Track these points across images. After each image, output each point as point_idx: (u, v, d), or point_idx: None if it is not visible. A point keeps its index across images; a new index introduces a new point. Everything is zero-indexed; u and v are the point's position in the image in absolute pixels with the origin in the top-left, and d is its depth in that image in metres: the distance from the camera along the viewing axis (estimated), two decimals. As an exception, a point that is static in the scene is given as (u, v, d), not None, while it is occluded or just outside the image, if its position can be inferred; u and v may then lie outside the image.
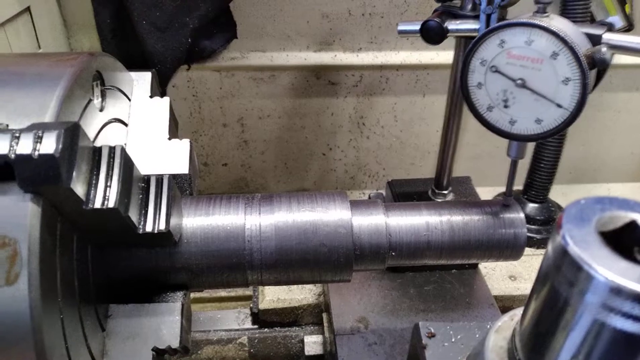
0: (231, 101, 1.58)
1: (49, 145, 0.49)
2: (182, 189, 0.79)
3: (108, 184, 0.58)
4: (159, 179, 0.69)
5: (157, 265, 0.73)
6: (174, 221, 0.69)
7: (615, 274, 0.38)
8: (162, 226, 0.66)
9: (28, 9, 1.26)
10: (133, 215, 0.63)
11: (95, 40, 1.42)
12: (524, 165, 1.49)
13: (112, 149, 0.60)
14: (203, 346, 1.25)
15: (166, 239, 0.69)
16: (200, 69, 1.50)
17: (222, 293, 1.40)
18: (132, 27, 1.31)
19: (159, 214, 0.67)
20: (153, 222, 0.66)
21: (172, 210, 0.69)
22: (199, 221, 0.77)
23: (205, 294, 1.40)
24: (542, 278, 0.45)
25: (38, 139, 0.49)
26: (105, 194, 0.57)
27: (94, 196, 0.57)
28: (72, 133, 0.52)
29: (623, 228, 0.43)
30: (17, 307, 0.48)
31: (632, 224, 0.43)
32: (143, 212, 0.66)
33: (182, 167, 0.78)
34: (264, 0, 1.44)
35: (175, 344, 0.66)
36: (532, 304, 0.47)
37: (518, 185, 1.54)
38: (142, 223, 0.66)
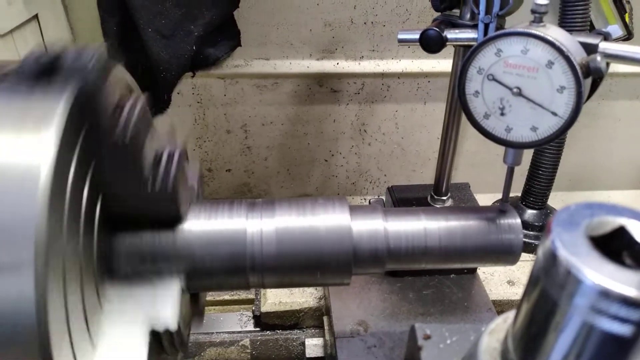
0: (235, 108, 1.60)
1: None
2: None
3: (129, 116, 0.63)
4: (171, 153, 0.72)
5: (159, 259, 0.74)
6: (180, 196, 0.72)
7: (603, 277, 0.40)
8: (169, 188, 0.68)
9: (36, 17, 1.28)
10: (145, 160, 0.66)
11: (101, 47, 1.44)
12: (522, 171, 1.51)
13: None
14: (206, 348, 1.27)
15: (171, 210, 0.71)
16: (205, 76, 1.53)
17: (225, 296, 1.41)
18: (138, 35, 1.34)
19: (168, 176, 0.69)
20: (161, 182, 0.68)
21: (179, 184, 0.71)
22: (202, 225, 0.78)
23: (209, 297, 1.42)
24: (533, 281, 0.47)
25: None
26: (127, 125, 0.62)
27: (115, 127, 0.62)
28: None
29: (612, 233, 0.45)
30: (22, 286, 0.49)
31: (621, 229, 0.45)
32: (153, 169, 0.69)
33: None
34: (268, 9, 1.47)
35: (172, 325, 0.67)
36: (523, 306, 0.49)
37: (517, 192, 1.55)
38: (150, 179, 0.68)
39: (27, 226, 0.50)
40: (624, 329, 0.39)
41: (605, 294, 0.39)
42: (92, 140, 0.61)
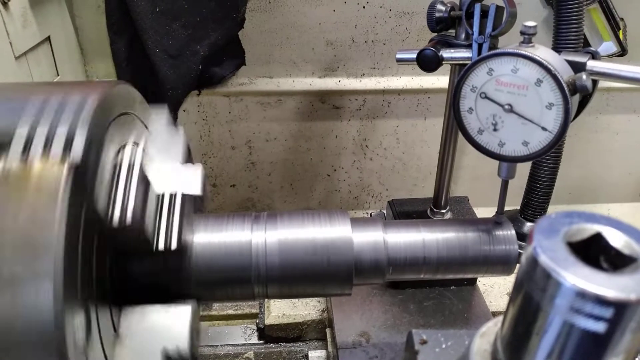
0: (239, 125, 1.64)
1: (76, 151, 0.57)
2: (195, 210, 0.84)
3: (126, 198, 0.64)
4: (172, 196, 0.74)
5: (169, 278, 0.77)
6: (185, 237, 0.74)
7: (579, 279, 0.43)
8: (174, 244, 0.71)
9: (48, 38, 1.33)
10: (148, 230, 0.68)
11: (110, 67, 1.49)
12: (521, 185, 1.53)
13: (130, 165, 0.66)
14: (211, 360, 1.30)
15: (177, 253, 0.74)
16: (210, 94, 1.57)
17: (229, 311, 1.44)
18: (146, 55, 1.38)
19: (171, 231, 0.72)
20: (165, 239, 0.71)
21: (184, 227, 0.73)
22: (209, 237, 0.81)
23: (213, 311, 1.45)
24: (518, 286, 0.50)
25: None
26: (124, 206, 0.63)
27: (112, 211, 0.63)
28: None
29: (590, 239, 0.48)
30: (41, 302, 0.52)
31: (598, 235, 0.48)
32: (156, 227, 0.71)
33: (195, 189, 0.82)
34: (272, 29, 1.51)
35: (184, 346, 0.70)
36: (510, 309, 0.52)
37: (517, 205, 1.58)
38: (155, 239, 0.70)
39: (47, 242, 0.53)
40: (598, 326, 0.43)
41: (582, 295, 0.43)
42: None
